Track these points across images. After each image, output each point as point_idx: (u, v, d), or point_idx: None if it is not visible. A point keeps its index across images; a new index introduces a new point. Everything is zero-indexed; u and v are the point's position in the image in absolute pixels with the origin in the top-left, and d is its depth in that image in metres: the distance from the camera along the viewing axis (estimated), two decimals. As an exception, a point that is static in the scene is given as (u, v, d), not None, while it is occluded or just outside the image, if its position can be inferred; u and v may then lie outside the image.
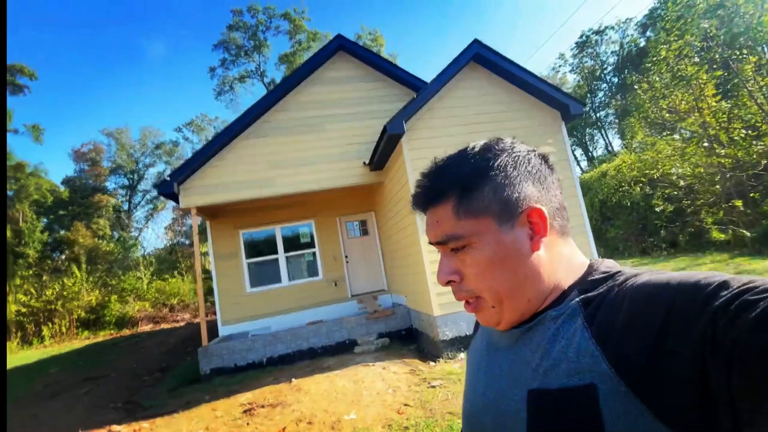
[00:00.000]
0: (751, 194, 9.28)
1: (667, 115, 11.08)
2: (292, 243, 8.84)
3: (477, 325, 0.73)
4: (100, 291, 21.11)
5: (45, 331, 18.40)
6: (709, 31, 9.95)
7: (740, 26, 10.82)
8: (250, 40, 27.17)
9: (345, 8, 50.31)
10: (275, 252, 8.66)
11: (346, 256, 8.98)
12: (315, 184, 7.39)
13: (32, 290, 19.58)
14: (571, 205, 6.11)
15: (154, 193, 40.38)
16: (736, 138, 9.19)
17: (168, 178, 6.74)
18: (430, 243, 0.61)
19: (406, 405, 4.00)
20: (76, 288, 19.81)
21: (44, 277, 20.91)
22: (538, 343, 0.54)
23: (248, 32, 26.83)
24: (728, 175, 9.53)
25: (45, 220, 28.59)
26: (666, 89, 10.85)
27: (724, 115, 9.97)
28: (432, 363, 5.51)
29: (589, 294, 0.52)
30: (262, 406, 4.44)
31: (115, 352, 11.57)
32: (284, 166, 7.34)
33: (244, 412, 4.43)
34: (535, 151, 0.60)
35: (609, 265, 0.56)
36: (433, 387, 4.41)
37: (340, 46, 7.77)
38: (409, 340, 7.10)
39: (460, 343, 5.66)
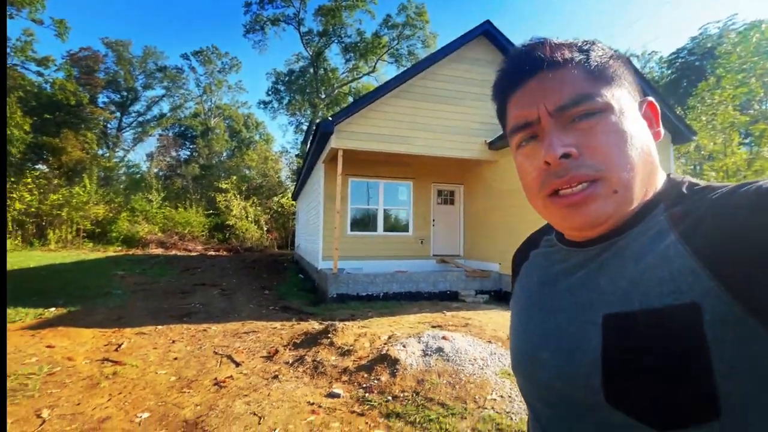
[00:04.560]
0: None
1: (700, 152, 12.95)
2: (391, 198, 9.69)
3: (515, 272, 0.70)
4: (109, 206, 20.63)
5: (51, 235, 18.00)
6: (754, 90, 11.78)
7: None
8: (295, -16, 26.46)
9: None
10: (376, 203, 9.48)
11: (434, 220, 9.97)
12: (443, 151, 8.26)
13: (36, 192, 18.80)
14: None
15: (148, 116, 38.58)
16: None
17: (330, 118, 7.35)
18: (549, 111, 0.49)
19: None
20: (84, 198, 19.31)
21: (55, 181, 20.04)
22: (618, 265, 0.46)
23: (296, -25, 26.09)
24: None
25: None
26: (705, 130, 12.58)
27: (744, 162, 11.97)
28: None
29: (680, 208, 0.45)
30: (450, 325, 5.45)
31: (165, 266, 11.89)
32: (422, 129, 8.12)
33: (433, 327, 5.41)
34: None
35: (693, 180, 0.49)
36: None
37: (485, 31, 8.52)
38: (501, 299, 8.30)
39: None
